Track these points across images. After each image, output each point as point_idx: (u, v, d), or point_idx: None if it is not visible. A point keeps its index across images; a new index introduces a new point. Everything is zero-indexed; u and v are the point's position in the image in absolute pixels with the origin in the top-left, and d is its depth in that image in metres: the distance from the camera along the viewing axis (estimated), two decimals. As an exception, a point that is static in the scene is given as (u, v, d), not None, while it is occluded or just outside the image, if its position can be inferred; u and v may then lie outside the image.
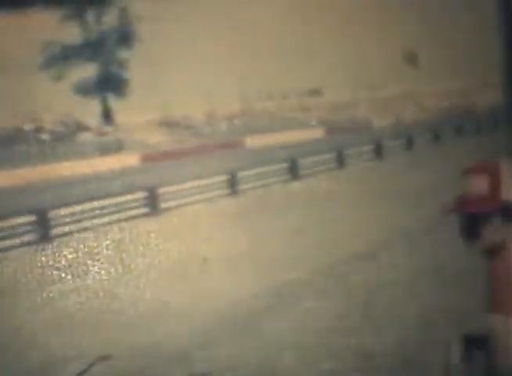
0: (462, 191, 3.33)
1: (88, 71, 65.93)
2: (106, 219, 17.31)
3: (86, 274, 12.10)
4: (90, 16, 66.79)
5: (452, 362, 3.38)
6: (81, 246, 15.14)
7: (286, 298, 9.24)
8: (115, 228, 16.92)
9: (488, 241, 3.25)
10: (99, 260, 13.28)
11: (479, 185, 3.24)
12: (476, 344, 3.37)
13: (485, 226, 3.25)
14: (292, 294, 9.44)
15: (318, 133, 55.70)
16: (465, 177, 3.32)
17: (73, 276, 12.10)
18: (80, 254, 14.23)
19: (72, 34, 64.76)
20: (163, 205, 19.17)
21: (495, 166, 3.26)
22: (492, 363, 3.29)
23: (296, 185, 23.50)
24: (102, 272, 12.22)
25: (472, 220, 3.28)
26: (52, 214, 16.15)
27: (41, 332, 8.79)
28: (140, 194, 18.96)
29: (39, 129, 50.57)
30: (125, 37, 67.50)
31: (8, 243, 14.93)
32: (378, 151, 30.77)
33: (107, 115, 63.02)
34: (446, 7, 68.73)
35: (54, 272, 12.52)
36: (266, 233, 14.39)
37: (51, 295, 10.81)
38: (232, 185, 21.83)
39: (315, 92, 76.31)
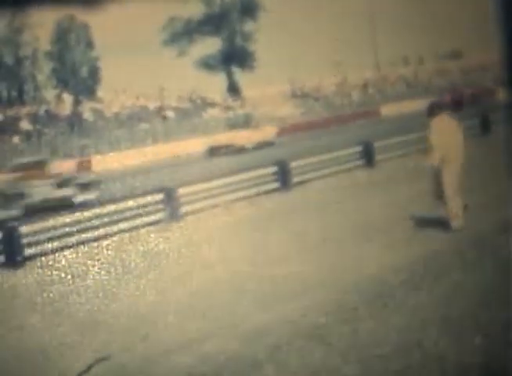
0: None
1: (212, 45, 66.94)
2: (236, 195, 17.55)
3: (219, 252, 12.30)
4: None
5: None
6: (212, 223, 15.42)
7: (432, 271, 9.05)
8: (245, 204, 17.13)
9: None
10: (230, 237, 13.50)
11: None
12: None
13: None
14: (438, 267, 9.24)
15: (459, 98, 54.18)
16: None
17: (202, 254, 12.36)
18: (210, 232, 14.51)
19: (194, 8, 65.81)
20: (295, 179, 19.21)
21: None
22: None
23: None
24: (240, 248, 12.38)
25: None
26: (180, 191, 16.49)
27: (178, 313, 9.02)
28: (270, 169, 19.07)
29: (164, 107, 51.76)
30: (249, 8, 67.90)
31: (138, 222, 15.40)
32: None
33: (234, 89, 63.83)
34: None
35: (183, 250, 12.81)
36: (405, 203, 14.14)
37: (187, 272, 11.05)
38: (368, 155, 21.63)
39: (456, 54, 74.29)
